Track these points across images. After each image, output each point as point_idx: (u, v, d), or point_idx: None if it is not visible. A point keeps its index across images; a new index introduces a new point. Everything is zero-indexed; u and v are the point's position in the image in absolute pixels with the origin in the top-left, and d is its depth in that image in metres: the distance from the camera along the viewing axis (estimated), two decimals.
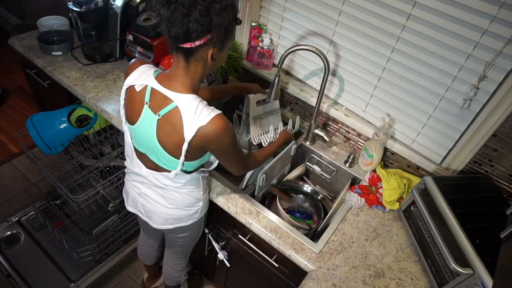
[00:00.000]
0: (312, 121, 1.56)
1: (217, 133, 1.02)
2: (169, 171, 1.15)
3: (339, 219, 1.35)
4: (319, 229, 1.39)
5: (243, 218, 1.31)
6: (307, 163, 1.66)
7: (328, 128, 1.71)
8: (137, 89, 1.06)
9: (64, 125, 1.76)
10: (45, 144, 1.73)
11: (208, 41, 0.95)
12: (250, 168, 1.32)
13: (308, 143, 1.64)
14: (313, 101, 1.65)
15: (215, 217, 1.50)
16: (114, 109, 1.63)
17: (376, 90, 1.49)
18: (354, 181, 1.54)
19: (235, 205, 1.33)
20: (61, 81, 1.76)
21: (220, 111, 1.03)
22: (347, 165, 1.57)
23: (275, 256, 1.34)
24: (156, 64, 1.80)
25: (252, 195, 1.42)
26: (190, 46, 0.95)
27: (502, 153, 1.25)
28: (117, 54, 1.88)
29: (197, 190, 1.26)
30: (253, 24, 1.70)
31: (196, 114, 1.00)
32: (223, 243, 1.58)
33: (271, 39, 1.69)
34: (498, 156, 1.27)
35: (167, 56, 1.79)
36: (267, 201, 1.53)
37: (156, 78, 1.05)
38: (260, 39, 1.71)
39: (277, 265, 1.35)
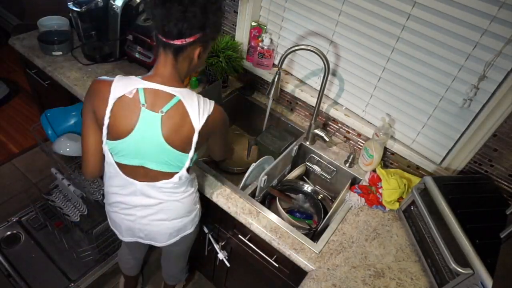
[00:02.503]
0: (312, 121, 1.56)
1: (222, 118, 1.11)
2: (171, 176, 1.12)
3: (339, 219, 1.35)
4: (319, 229, 1.39)
5: (243, 218, 1.31)
6: (307, 163, 1.66)
7: (328, 128, 1.71)
8: (130, 95, 1.03)
9: (77, 119, 1.76)
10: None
11: (197, 39, 0.98)
12: (231, 151, 1.39)
13: (308, 143, 1.64)
14: (313, 101, 1.65)
15: (215, 217, 1.50)
16: None
17: (376, 90, 1.49)
18: (354, 181, 1.54)
19: (235, 205, 1.33)
20: (61, 81, 1.76)
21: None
22: (347, 165, 1.57)
23: (275, 256, 1.34)
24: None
25: (253, 196, 1.42)
26: (180, 43, 0.98)
27: (502, 153, 1.26)
28: (117, 54, 1.88)
29: (194, 190, 1.25)
30: (253, 24, 1.70)
31: (200, 105, 1.04)
32: (223, 243, 1.58)
33: (271, 39, 1.69)
34: (498, 156, 1.27)
35: None
36: (267, 201, 1.53)
37: (144, 79, 1.04)
38: (260, 39, 1.71)
39: (277, 265, 1.35)
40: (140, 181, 1.13)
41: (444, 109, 1.35)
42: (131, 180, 1.13)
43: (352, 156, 1.56)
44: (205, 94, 1.58)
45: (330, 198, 1.65)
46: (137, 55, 1.82)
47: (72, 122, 1.77)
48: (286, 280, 1.39)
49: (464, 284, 1.04)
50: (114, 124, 1.04)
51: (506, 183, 1.29)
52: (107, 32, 1.81)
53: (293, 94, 1.71)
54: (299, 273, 1.24)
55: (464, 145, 1.32)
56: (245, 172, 1.44)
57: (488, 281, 0.96)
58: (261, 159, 1.51)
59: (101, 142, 1.08)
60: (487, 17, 1.11)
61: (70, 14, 1.81)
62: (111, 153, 1.09)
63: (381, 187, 1.43)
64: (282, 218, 1.34)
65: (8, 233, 1.92)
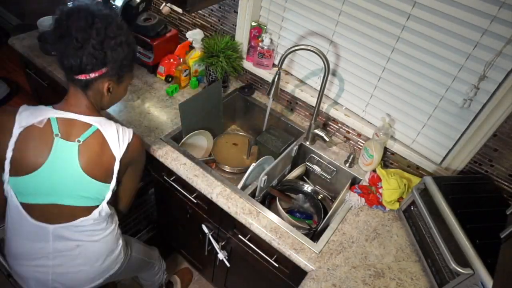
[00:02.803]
0: (312, 121, 1.56)
1: (140, 146, 1.11)
2: (90, 212, 1.03)
3: (339, 219, 1.35)
4: (319, 229, 1.39)
5: (243, 218, 1.31)
6: (307, 163, 1.66)
7: (328, 128, 1.71)
8: (40, 125, 0.96)
9: None
10: None
11: (103, 74, 0.98)
12: (131, 200, 1.28)
13: (308, 143, 1.64)
14: (313, 101, 1.65)
15: (215, 217, 1.50)
16: (114, 109, 1.63)
17: (376, 90, 1.49)
18: (354, 181, 1.54)
19: (235, 205, 1.33)
20: (60, 81, 1.76)
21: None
22: (347, 165, 1.57)
23: (275, 256, 1.34)
24: (156, 64, 1.81)
25: (253, 196, 1.42)
26: (85, 78, 0.97)
27: (502, 153, 1.25)
28: None
29: (115, 227, 1.15)
30: (253, 24, 1.70)
31: (120, 133, 1.03)
32: (223, 243, 1.58)
33: (271, 39, 1.69)
34: (498, 156, 1.27)
35: (166, 56, 1.80)
36: (267, 201, 1.53)
37: (56, 108, 1.00)
38: (260, 39, 1.71)
39: (277, 265, 1.35)
40: (53, 223, 1.02)
41: (444, 109, 1.34)
42: (42, 224, 1.01)
43: (352, 156, 1.56)
44: (205, 94, 1.58)
45: (330, 198, 1.65)
46: (137, 55, 1.82)
47: None
48: (286, 280, 1.39)
49: (464, 284, 1.04)
50: (20, 157, 0.95)
51: (506, 183, 1.29)
52: None
53: (293, 94, 1.71)
54: (299, 273, 1.24)
55: (464, 145, 1.32)
56: (245, 172, 1.44)
57: (488, 281, 0.96)
58: (261, 159, 1.51)
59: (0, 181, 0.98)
60: (487, 17, 1.11)
61: None
62: (14, 193, 0.98)
63: (381, 187, 1.43)
64: (282, 218, 1.34)
65: None
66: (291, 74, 1.77)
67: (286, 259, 1.27)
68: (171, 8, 1.75)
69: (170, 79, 1.81)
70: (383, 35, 1.36)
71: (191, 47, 1.85)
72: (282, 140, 1.66)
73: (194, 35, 1.77)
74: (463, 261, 1.04)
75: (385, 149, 1.53)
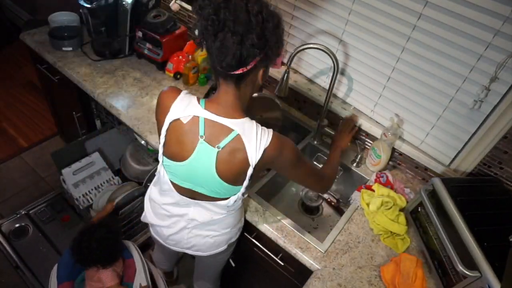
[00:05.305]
0: (320, 120, 1.56)
1: (280, 150, 1.00)
2: (222, 200, 1.09)
3: (345, 219, 1.35)
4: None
5: (249, 216, 1.32)
6: (314, 162, 1.65)
7: (335, 128, 1.70)
8: (184, 121, 0.97)
9: None
10: None
11: (259, 61, 0.91)
12: (331, 180, 1.24)
13: (315, 142, 1.63)
14: (321, 100, 1.64)
15: None
16: (122, 105, 1.64)
17: (385, 90, 1.48)
18: (361, 181, 1.53)
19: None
20: (70, 76, 1.77)
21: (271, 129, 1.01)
22: (354, 164, 1.56)
23: (281, 254, 1.34)
24: (165, 61, 1.81)
25: (260, 193, 1.42)
26: (242, 72, 0.90)
27: None
28: (127, 50, 1.89)
29: (242, 204, 1.23)
30: None
31: (258, 137, 0.96)
32: None
33: None
34: (508, 158, 1.26)
35: (175, 53, 1.80)
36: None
37: (206, 107, 0.97)
38: None
39: (282, 264, 1.35)
40: (194, 199, 1.12)
41: (454, 110, 1.33)
42: (186, 198, 1.11)
43: (359, 156, 1.55)
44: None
45: (336, 198, 1.64)
46: (146, 52, 1.83)
47: None
48: (292, 279, 1.39)
49: (471, 287, 1.03)
50: (170, 145, 1.02)
51: None
52: (116, 28, 1.82)
53: (302, 93, 1.71)
54: (305, 272, 1.24)
55: (474, 147, 1.31)
56: None
57: (496, 284, 0.95)
58: None
59: None
60: (500, 18, 1.10)
61: (81, 10, 1.83)
62: (166, 171, 1.08)
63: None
64: None
65: (17, 225, 1.95)
66: (300, 73, 1.77)
67: (292, 258, 1.27)
68: (180, 5, 1.75)
69: (178, 76, 1.81)
70: (393, 35, 1.35)
71: None
72: (289, 138, 1.66)
73: None
74: (471, 264, 1.03)
75: (393, 150, 1.52)
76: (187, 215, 1.16)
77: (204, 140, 0.97)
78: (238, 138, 0.96)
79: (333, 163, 1.31)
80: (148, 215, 1.27)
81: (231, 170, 1.00)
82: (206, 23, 0.85)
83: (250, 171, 0.99)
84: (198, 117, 0.97)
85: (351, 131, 1.49)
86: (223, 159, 0.98)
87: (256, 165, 0.98)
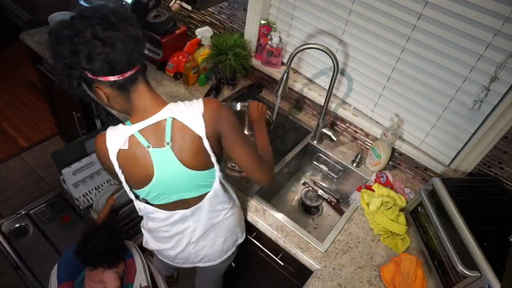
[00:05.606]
0: (320, 120, 1.56)
1: (217, 109, 1.01)
2: (209, 191, 1.09)
3: (345, 219, 1.35)
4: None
5: (249, 216, 1.32)
6: (314, 162, 1.66)
7: (335, 128, 1.71)
8: (125, 147, 0.98)
9: None
10: None
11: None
12: (271, 163, 1.19)
13: (315, 142, 1.63)
14: (321, 100, 1.64)
15: None
16: None
17: (385, 90, 1.48)
18: (361, 181, 1.53)
19: (241, 202, 1.33)
20: None
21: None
22: (354, 164, 1.56)
23: (281, 254, 1.34)
24: (165, 61, 1.81)
25: (260, 194, 1.42)
26: (138, 68, 0.96)
27: None
28: None
29: (236, 202, 1.23)
30: (262, 22, 1.70)
31: (190, 109, 0.99)
32: None
33: (280, 38, 1.69)
34: (508, 158, 1.26)
35: (175, 53, 1.80)
36: None
37: (133, 124, 0.98)
38: (269, 37, 1.70)
39: (282, 264, 1.35)
40: (187, 208, 1.12)
41: (454, 110, 1.33)
42: (179, 210, 1.11)
43: (359, 156, 1.55)
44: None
45: (336, 197, 1.64)
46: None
47: None
48: (292, 278, 1.39)
49: (471, 287, 1.03)
50: (131, 175, 1.02)
51: None
52: None
53: (301, 93, 1.71)
54: (305, 272, 1.24)
55: (474, 147, 1.31)
56: None
57: (496, 284, 0.96)
58: None
59: None
60: (500, 18, 1.10)
61: None
62: (145, 201, 1.09)
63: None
64: None
65: (17, 225, 1.94)
66: (300, 73, 1.77)
67: (292, 258, 1.27)
68: (180, 5, 1.75)
69: (178, 76, 1.81)
70: (393, 35, 1.35)
71: (200, 45, 1.85)
72: (289, 138, 1.66)
73: (203, 33, 1.77)
74: (471, 264, 1.03)
75: (393, 150, 1.52)
76: (189, 228, 1.16)
77: (152, 147, 0.98)
78: (175, 121, 0.98)
79: (263, 144, 1.24)
80: (149, 242, 1.26)
81: (192, 154, 1.00)
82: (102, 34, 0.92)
83: (207, 144, 0.99)
84: (132, 134, 0.98)
85: (259, 107, 1.36)
86: (179, 149, 0.99)
87: (207, 134, 0.99)
